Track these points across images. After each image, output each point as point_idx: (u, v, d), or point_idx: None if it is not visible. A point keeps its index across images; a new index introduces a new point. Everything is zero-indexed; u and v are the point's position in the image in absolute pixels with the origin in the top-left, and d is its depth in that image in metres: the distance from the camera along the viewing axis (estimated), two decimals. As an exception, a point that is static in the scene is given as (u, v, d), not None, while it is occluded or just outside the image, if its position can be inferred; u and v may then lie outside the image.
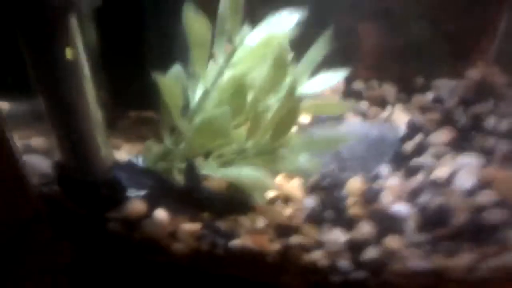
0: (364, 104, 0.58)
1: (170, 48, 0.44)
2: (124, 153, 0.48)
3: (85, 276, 0.52)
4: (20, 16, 0.34)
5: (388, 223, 0.43)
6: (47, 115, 0.39)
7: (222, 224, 0.44)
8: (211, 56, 0.43)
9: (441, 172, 0.48)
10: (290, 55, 0.44)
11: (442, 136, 0.51)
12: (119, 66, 0.44)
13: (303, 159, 0.42)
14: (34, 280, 0.52)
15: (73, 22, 0.35)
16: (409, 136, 0.52)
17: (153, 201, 0.45)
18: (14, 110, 0.44)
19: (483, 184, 0.45)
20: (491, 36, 0.56)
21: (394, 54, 0.60)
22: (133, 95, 0.47)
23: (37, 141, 0.46)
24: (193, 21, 0.41)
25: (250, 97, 0.43)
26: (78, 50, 0.37)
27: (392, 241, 0.43)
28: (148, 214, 0.44)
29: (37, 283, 0.52)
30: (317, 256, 0.43)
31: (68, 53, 0.36)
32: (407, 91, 0.59)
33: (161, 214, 0.44)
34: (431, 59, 0.59)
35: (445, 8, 0.56)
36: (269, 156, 0.42)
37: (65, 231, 0.48)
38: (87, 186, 0.43)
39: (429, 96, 0.58)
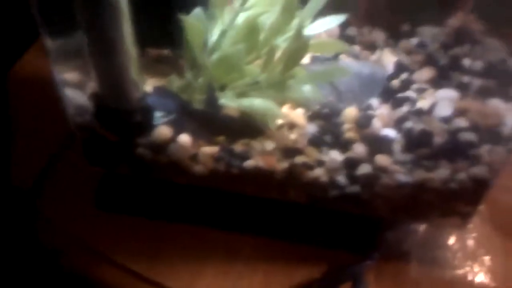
0: (356, 48, 0.65)
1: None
2: (149, 86, 0.54)
3: (112, 197, 0.60)
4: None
5: (378, 145, 0.51)
6: (89, 51, 0.45)
7: (237, 147, 0.51)
8: (229, 1, 0.49)
9: (423, 103, 0.55)
10: (296, 1, 0.51)
11: (424, 74, 0.59)
12: (149, 9, 0.49)
13: (307, 89, 0.50)
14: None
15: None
16: (396, 74, 0.59)
17: (178, 126, 0.51)
18: (54, 46, 0.49)
19: (458, 113, 0.53)
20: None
21: (385, 4, 0.67)
22: (156, 35, 0.53)
23: (73, 76, 0.52)
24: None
25: (262, 37, 0.49)
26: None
27: (382, 159, 0.51)
28: (174, 139, 0.51)
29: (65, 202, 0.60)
30: (318, 173, 0.51)
31: None
32: (395, 37, 0.66)
33: (184, 138, 0.51)
34: (418, 9, 0.66)
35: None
36: (279, 86, 0.49)
37: (99, 158, 0.55)
38: (122, 114, 0.49)
39: (414, 41, 0.65)
